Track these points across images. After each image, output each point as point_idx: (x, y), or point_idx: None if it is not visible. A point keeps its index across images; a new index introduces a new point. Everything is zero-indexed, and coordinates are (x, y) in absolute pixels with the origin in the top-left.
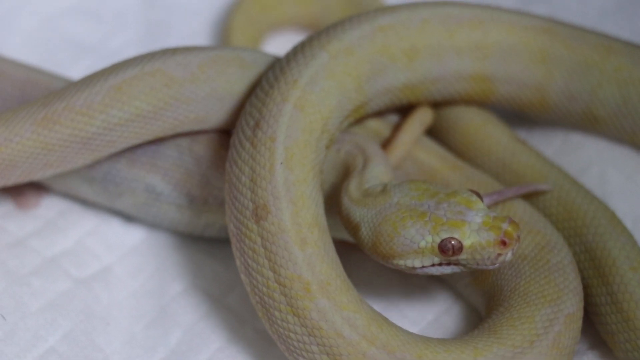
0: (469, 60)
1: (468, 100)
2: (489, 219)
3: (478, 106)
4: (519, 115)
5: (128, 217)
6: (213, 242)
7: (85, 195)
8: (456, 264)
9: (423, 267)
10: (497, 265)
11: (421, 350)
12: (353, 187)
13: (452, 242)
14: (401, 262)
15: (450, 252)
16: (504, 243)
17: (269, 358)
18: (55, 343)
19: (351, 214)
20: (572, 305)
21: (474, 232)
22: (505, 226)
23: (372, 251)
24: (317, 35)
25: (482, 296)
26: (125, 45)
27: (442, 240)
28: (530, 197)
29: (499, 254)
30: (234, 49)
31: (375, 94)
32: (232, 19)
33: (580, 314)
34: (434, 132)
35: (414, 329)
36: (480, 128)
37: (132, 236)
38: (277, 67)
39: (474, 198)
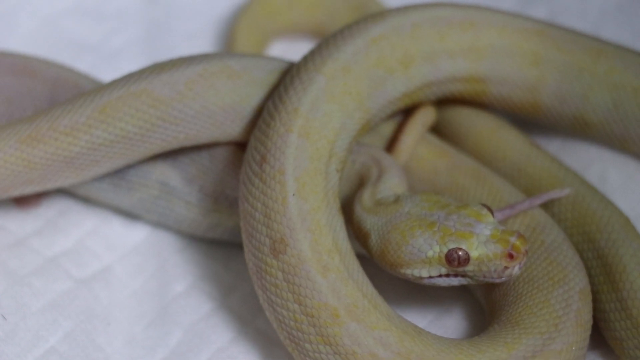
0: (462, 62)
1: (461, 100)
2: (497, 232)
3: (489, 111)
4: (518, 117)
5: (130, 216)
6: (214, 243)
7: (88, 192)
8: (463, 275)
9: (430, 277)
10: (503, 278)
11: (456, 356)
12: (366, 197)
13: (459, 253)
14: (408, 272)
15: (457, 263)
16: (510, 256)
17: (270, 358)
18: (56, 343)
19: (362, 222)
20: (581, 280)
21: (481, 244)
22: (514, 240)
23: (381, 260)
24: (311, 57)
25: (479, 286)
26: (126, 44)
27: (449, 251)
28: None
29: (506, 267)
30: (221, 57)
31: (378, 108)
32: (238, 22)
33: (589, 287)
34: (447, 138)
35: None
36: (494, 133)
37: (133, 236)
38: (276, 96)
39: (484, 211)
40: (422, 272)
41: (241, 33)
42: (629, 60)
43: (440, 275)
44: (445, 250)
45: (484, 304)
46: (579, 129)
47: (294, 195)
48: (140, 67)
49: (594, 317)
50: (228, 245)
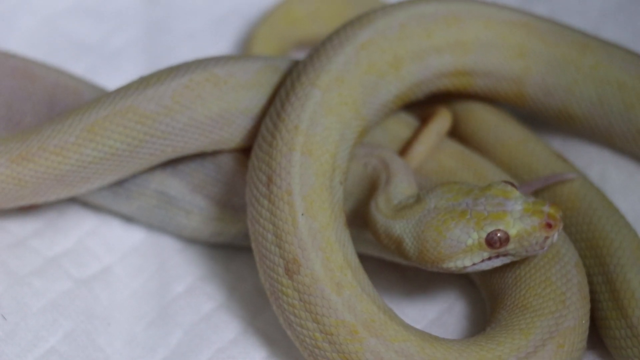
0: (449, 57)
1: (446, 93)
2: (529, 205)
3: (517, 121)
4: (521, 115)
5: (129, 219)
6: (214, 244)
7: (87, 197)
8: (505, 255)
9: (474, 264)
10: (545, 249)
11: (478, 354)
12: (383, 204)
13: (499, 234)
14: (451, 265)
15: (498, 244)
16: (549, 225)
17: (271, 358)
18: (56, 343)
19: (390, 229)
20: (574, 254)
21: (517, 220)
22: (547, 209)
23: (420, 260)
24: (304, 70)
25: (476, 273)
26: (126, 44)
27: (488, 234)
28: (564, 218)
29: (546, 237)
30: (205, 65)
31: (373, 113)
32: (258, 29)
33: (580, 259)
34: (473, 148)
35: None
36: (520, 145)
37: (133, 236)
38: (273, 113)
39: (509, 188)
40: (465, 261)
41: (260, 40)
42: (615, 55)
43: (482, 260)
44: (484, 235)
45: (481, 288)
46: (563, 121)
47: (302, 215)
48: (140, 67)
49: (606, 344)
50: (229, 246)
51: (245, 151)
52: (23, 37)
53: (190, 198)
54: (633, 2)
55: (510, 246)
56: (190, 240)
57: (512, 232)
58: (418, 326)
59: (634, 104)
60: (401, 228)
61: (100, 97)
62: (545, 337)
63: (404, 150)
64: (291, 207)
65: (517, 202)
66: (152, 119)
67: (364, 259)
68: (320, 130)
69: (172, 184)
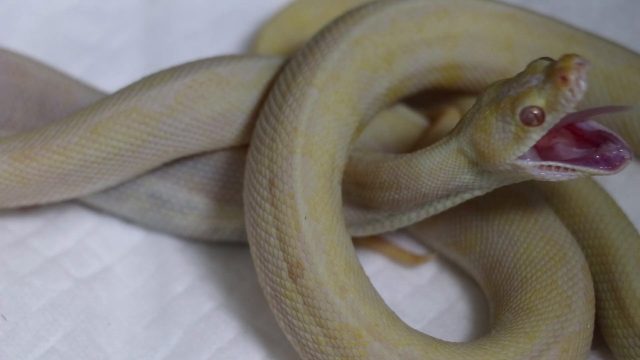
0: (440, 50)
1: (438, 89)
2: (547, 71)
3: None
4: None
5: (127, 220)
6: (214, 242)
7: (84, 197)
8: (567, 126)
9: (535, 156)
10: (578, 96)
11: (482, 357)
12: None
13: (532, 112)
14: (513, 157)
15: (536, 121)
16: (564, 79)
17: (271, 358)
18: (56, 343)
19: (449, 148)
20: (580, 258)
21: (541, 90)
22: (559, 64)
23: (486, 162)
24: (299, 68)
25: (476, 268)
26: (126, 44)
27: (521, 115)
28: (572, 224)
29: (571, 90)
30: (208, 65)
31: (367, 107)
32: (264, 31)
33: (587, 262)
34: None
35: (415, 328)
36: None
37: (133, 236)
38: (270, 114)
39: (538, 62)
40: (521, 148)
41: (266, 41)
42: (601, 47)
43: (563, 168)
44: (518, 119)
45: (485, 289)
46: None
47: (305, 218)
48: (140, 67)
49: (613, 352)
50: (228, 244)
51: (242, 147)
52: (23, 36)
53: (187, 199)
54: (633, 2)
55: (549, 118)
56: (190, 239)
57: (540, 103)
58: (418, 326)
59: (620, 96)
60: (457, 141)
61: (104, 98)
62: (550, 341)
63: (412, 150)
64: (294, 211)
65: (540, 75)
66: (156, 120)
67: (364, 261)
68: (319, 130)
69: (164, 187)
